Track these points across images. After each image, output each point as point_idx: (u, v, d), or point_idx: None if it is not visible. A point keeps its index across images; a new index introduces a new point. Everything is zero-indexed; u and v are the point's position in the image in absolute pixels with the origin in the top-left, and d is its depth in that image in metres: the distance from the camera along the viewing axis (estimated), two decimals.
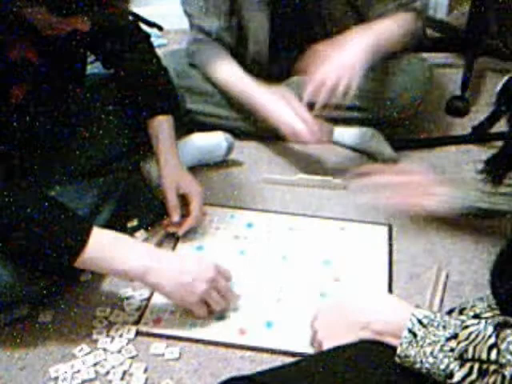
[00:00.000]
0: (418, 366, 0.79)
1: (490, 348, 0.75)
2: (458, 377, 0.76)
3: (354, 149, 1.62)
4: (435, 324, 0.80)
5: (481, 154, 1.56)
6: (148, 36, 1.35)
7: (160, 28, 1.43)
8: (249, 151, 1.63)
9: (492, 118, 1.63)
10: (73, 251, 0.98)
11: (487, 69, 2.05)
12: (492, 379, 0.74)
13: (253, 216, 1.37)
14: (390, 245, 1.30)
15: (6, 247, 1.00)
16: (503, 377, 0.73)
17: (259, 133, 1.63)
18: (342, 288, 1.18)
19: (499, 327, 0.77)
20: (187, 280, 1.04)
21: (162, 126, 1.27)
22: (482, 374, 0.75)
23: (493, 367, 0.74)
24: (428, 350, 0.78)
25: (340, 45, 1.39)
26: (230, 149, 1.55)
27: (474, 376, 0.75)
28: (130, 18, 1.20)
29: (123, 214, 1.30)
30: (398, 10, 1.49)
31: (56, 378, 1.00)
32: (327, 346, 0.92)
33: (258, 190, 1.48)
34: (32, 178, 1.17)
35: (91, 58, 1.32)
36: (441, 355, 0.77)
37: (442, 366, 0.77)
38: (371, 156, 1.59)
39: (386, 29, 1.45)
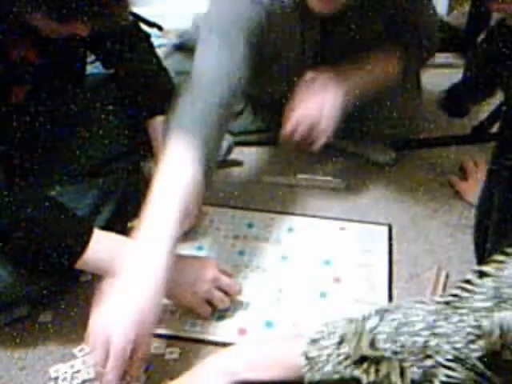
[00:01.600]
0: None
1: (373, 341, 0.71)
2: (364, 381, 0.71)
3: (353, 149, 1.62)
4: (325, 335, 0.74)
5: (481, 154, 1.57)
6: (148, 36, 1.35)
7: (160, 28, 1.43)
8: (249, 151, 1.63)
9: (492, 118, 1.64)
10: (74, 253, 0.98)
11: None
12: (385, 370, 0.70)
13: (253, 216, 1.37)
14: (390, 245, 1.30)
15: (6, 247, 1.00)
16: (394, 361, 0.70)
17: (258, 128, 1.63)
18: (341, 288, 1.18)
19: (383, 313, 0.73)
20: (188, 281, 1.04)
21: (162, 126, 1.27)
22: (378, 370, 0.70)
23: (384, 360, 0.70)
24: (329, 368, 0.72)
25: (322, 86, 1.31)
26: (230, 149, 1.55)
27: (372, 376, 0.71)
28: (130, 17, 1.20)
29: (123, 213, 1.29)
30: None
31: (56, 378, 1.00)
32: None
33: (257, 190, 1.47)
34: (32, 178, 1.17)
35: (91, 57, 1.32)
36: (341, 368, 0.71)
37: (349, 377, 0.72)
38: (370, 157, 1.59)
39: (370, 76, 1.37)
